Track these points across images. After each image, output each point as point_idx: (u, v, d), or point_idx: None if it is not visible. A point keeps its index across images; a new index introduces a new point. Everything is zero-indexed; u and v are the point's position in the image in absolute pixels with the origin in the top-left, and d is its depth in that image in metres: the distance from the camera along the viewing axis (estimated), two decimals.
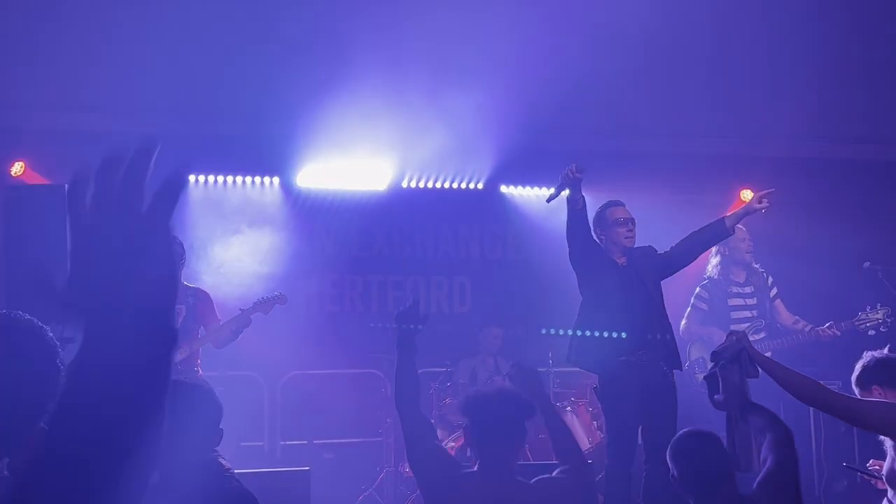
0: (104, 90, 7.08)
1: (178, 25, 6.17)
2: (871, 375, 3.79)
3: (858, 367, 4.04)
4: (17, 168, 7.23)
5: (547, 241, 8.11)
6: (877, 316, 5.85)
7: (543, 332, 6.82)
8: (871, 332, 5.82)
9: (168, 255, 0.95)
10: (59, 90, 7.02)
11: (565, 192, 5.21)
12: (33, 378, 1.70)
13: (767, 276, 6.34)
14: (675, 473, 3.13)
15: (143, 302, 0.93)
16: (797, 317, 6.22)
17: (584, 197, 5.23)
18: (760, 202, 5.45)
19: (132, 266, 0.92)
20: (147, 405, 0.94)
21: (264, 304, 5.89)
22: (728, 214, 5.69)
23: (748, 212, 5.52)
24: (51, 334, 1.80)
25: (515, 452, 3.34)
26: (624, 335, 5.24)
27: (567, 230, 5.34)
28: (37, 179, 7.23)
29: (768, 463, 3.15)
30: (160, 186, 0.97)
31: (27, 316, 1.79)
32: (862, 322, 5.88)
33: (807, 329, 6.04)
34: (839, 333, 5.94)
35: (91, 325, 0.93)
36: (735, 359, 3.28)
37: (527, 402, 3.36)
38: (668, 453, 3.19)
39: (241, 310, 5.84)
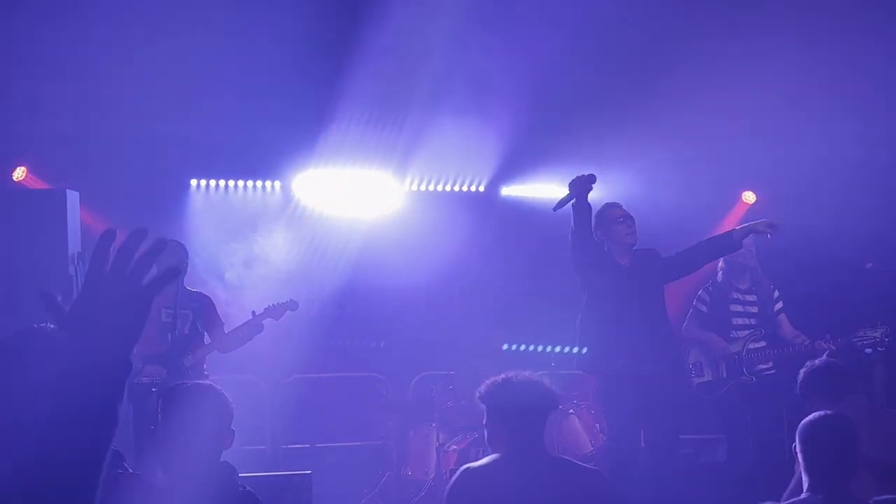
0: (106, 96, 7.07)
1: (182, 27, 6.18)
2: (813, 383, 3.84)
3: (802, 373, 4.03)
4: (19, 173, 7.24)
5: (548, 244, 8.11)
6: (875, 334, 5.81)
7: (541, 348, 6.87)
8: (868, 351, 5.79)
9: (142, 320, 1.33)
10: (61, 96, 7.02)
11: (573, 202, 5.21)
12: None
13: (774, 290, 6.31)
14: (801, 447, 3.03)
15: (114, 341, 1.30)
16: (798, 331, 6.20)
17: (590, 206, 5.23)
18: (766, 229, 5.44)
19: (121, 316, 1.31)
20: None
21: (276, 310, 5.91)
22: (737, 228, 5.66)
23: (755, 230, 5.51)
24: None
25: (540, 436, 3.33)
26: (625, 337, 5.23)
27: (572, 239, 5.34)
28: (38, 184, 7.24)
29: None
30: (158, 274, 1.35)
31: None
32: (860, 339, 5.84)
33: (805, 343, 6.03)
34: (834, 348, 5.91)
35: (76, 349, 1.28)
36: None
37: (551, 392, 3.36)
38: (801, 427, 3.08)
39: (253, 313, 5.86)
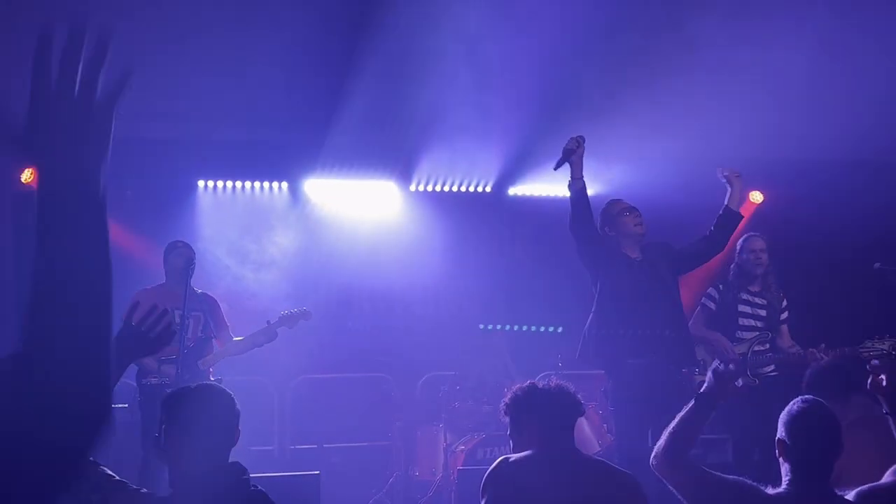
0: None
1: (186, 30, 6.19)
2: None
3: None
4: (28, 175, 7.27)
5: (556, 244, 8.11)
6: (882, 346, 5.78)
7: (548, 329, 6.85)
8: (875, 363, 5.75)
9: (107, 136, 1.21)
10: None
11: (572, 161, 5.22)
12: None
13: (783, 298, 6.31)
14: (784, 437, 2.90)
15: (81, 160, 1.18)
16: (794, 342, 6.21)
17: (584, 179, 5.22)
18: (727, 173, 5.53)
19: (79, 134, 1.18)
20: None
21: (290, 319, 5.91)
22: (729, 202, 5.69)
23: (730, 187, 5.59)
24: None
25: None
26: (638, 334, 5.21)
27: (570, 217, 5.28)
28: None
29: (893, 480, 2.90)
30: (111, 84, 1.20)
31: None
32: (867, 350, 5.82)
33: (798, 352, 6.04)
34: (826, 358, 5.90)
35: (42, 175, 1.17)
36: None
37: (577, 398, 3.35)
38: (783, 415, 2.96)
39: (267, 322, 5.86)
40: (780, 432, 2.94)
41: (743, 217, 5.81)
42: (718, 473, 2.97)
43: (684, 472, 3.00)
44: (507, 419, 3.38)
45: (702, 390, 3.06)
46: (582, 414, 3.40)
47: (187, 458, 2.66)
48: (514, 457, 3.23)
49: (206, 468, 2.66)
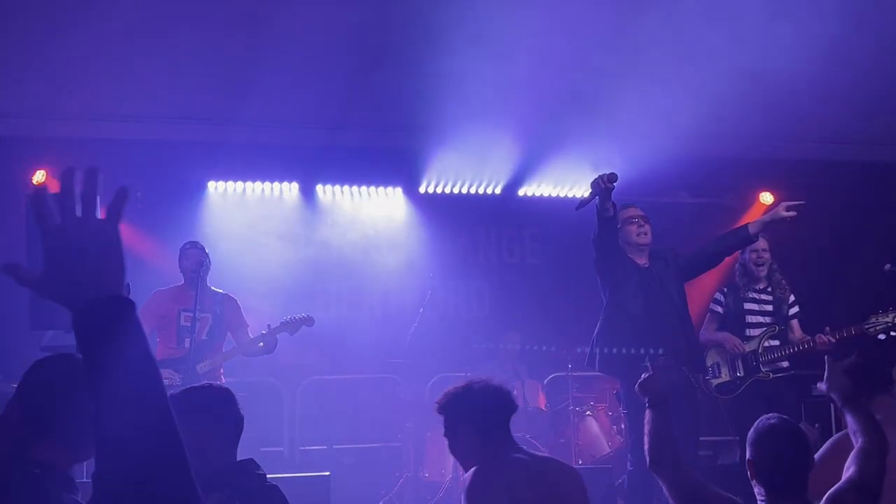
0: (125, 99, 7.14)
1: (197, 33, 6.22)
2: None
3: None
4: (39, 176, 7.30)
5: (565, 245, 8.11)
6: (886, 319, 5.78)
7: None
8: (882, 336, 5.75)
9: (119, 252, 1.26)
10: (81, 99, 7.09)
11: (595, 201, 5.16)
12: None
13: (790, 294, 6.30)
14: (753, 458, 2.85)
15: (100, 283, 1.24)
16: (806, 335, 6.19)
17: (614, 205, 5.19)
18: (788, 210, 5.40)
19: (94, 257, 1.25)
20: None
21: (291, 325, 5.87)
22: (752, 221, 5.66)
23: (774, 219, 5.47)
24: None
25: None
26: (647, 339, 5.21)
27: (595, 237, 5.30)
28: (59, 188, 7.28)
29: (850, 473, 2.83)
30: (111, 200, 1.27)
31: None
32: (872, 326, 5.81)
33: (808, 341, 6.01)
34: (834, 340, 5.88)
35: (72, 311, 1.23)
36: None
37: (511, 395, 3.42)
38: (750, 436, 2.91)
39: (268, 326, 5.83)
40: (749, 453, 2.88)
41: (755, 241, 5.80)
42: (715, 488, 2.96)
43: (676, 473, 3.00)
44: (443, 416, 3.41)
45: (645, 393, 3.21)
46: (516, 409, 3.41)
47: (193, 458, 2.67)
48: (489, 465, 3.24)
49: (212, 468, 2.67)
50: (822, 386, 3.13)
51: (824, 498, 2.79)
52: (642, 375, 3.29)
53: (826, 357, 3.19)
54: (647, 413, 3.19)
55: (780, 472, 2.79)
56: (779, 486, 2.79)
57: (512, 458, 3.27)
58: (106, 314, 1.21)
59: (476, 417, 3.31)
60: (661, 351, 5.04)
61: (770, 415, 3.00)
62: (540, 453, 4.03)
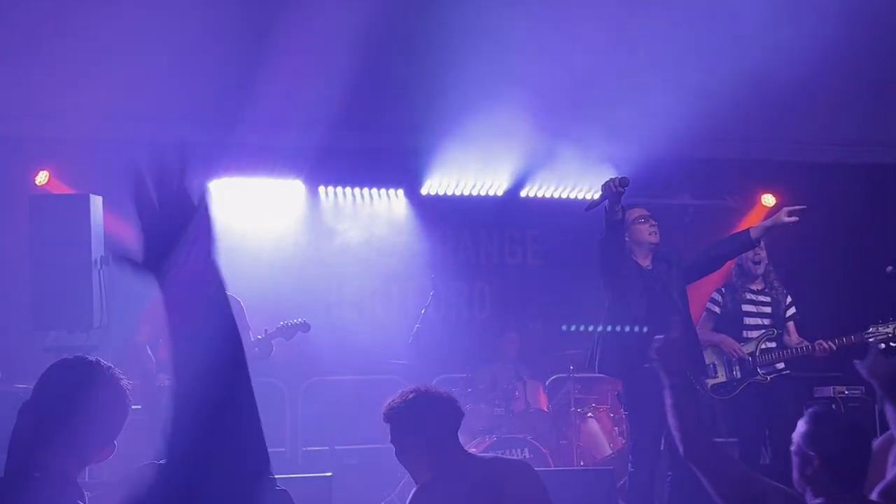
0: (129, 99, 7.14)
1: (200, 32, 6.23)
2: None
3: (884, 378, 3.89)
4: (42, 177, 7.31)
5: (567, 246, 8.12)
6: (887, 330, 5.76)
7: (564, 328, 6.86)
8: (882, 346, 5.75)
9: (210, 233, 1.37)
10: (84, 99, 7.09)
11: (604, 204, 5.17)
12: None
13: (787, 296, 6.30)
14: (818, 459, 2.59)
15: (195, 261, 1.35)
16: (802, 339, 6.19)
17: (623, 209, 5.19)
18: (790, 216, 5.40)
19: (187, 241, 1.34)
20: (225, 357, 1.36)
21: (287, 330, 5.88)
22: (754, 226, 5.67)
23: (775, 224, 5.48)
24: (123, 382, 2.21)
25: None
26: (648, 340, 5.21)
27: (601, 240, 5.31)
28: (61, 189, 7.30)
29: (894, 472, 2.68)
30: (199, 197, 1.38)
31: (104, 363, 2.18)
32: (871, 336, 5.80)
33: (806, 346, 6.01)
34: (834, 348, 5.87)
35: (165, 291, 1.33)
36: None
37: (457, 403, 3.41)
38: (808, 434, 2.66)
39: (265, 331, 5.84)
40: (805, 449, 2.65)
41: (756, 246, 5.80)
42: (759, 475, 2.76)
43: (715, 457, 2.77)
44: (389, 424, 3.38)
45: (664, 378, 2.90)
46: (462, 416, 3.40)
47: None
48: (428, 486, 3.23)
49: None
50: (861, 370, 2.92)
51: (875, 491, 2.68)
52: (656, 339, 2.95)
53: (869, 343, 3.08)
54: (668, 395, 2.83)
55: (848, 466, 2.62)
56: (848, 480, 2.61)
57: (459, 468, 3.25)
58: (199, 276, 1.33)
59: (423, 429, 3.28)
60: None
61: (817, 407, 2.86)
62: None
